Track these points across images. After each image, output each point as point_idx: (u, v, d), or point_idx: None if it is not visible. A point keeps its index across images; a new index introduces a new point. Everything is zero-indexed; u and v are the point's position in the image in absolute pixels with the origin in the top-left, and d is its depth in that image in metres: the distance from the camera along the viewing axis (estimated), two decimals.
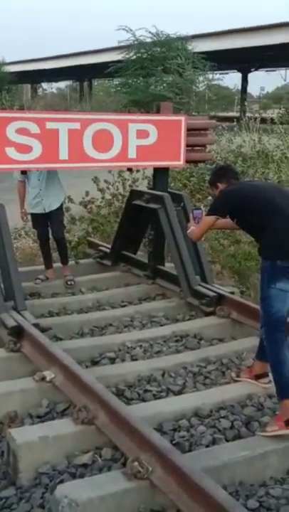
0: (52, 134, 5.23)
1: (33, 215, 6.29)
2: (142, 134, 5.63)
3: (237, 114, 43.43)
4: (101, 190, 8.24)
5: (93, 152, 5.45)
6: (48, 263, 6.44)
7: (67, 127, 5.30)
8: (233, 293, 5.60)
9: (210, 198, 10.01)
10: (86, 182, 8.20)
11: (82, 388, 3.68)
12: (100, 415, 3.45)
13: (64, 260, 6.44)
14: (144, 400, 3.95)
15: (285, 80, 71.37)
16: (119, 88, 29.63)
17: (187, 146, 5.90)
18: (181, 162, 5.91)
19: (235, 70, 52.52)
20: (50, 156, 5.27)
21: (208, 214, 3.94)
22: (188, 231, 4.30)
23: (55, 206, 6.19)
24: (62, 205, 6.38)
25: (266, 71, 57.54)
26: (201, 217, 4.09)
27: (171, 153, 5.83)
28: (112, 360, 4.57)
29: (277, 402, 3.84)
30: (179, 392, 4.06)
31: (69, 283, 6.25)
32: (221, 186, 3.98)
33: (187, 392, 4.05)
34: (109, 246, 7.07)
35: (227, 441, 3.51)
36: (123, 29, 26.16)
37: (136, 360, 4.58)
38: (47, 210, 6.14)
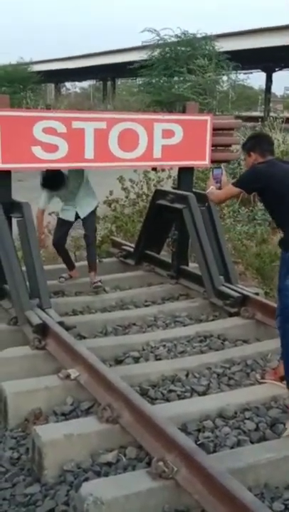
0: (78, 133, 5.25)
1: (60, 219, 6.23)
2: (168, 134, 5.63)
3: (261, 114, 43.27)
4: (125, 190, 8.25)
5: (119, 151, 5.46)
6: (71, 265, 6.39)
7: (93, 127, 5.31)
8: (257, 294, 5.57)
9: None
10: (111, 181, 8.21)
11: (107, 387, 3.69)
12: (124, 414, 3.46)
13: (93, 265, 6.22)
14: (168, 400, 3.95)
15: None
16: (142, 88, 29.72)
17: (212, 145, 5.88)
18: (207, 162, 5.89)
19: (260, 70, 52.17)
20: (75, 155, 5.29)
21: (235, 184, 3.95)
22: (207, 190, 4.31)
23: (88, 211, 6.09)
24: (95, 210, 6.27)
25: None
26: (220, 178, 4.21)
27: (197, 153, 5.81)
28: (136, 360, 4.57)
29: None
30: (204, 393, 4.05)
31: (94, 286, 6.10)
32: (253, 156, 3.92)
33: (211, 393, 4.03)
34: (133, 245, 7.08)
35: (252, 442, 3.49)
36: (148, 30, 26.18)
37: (160, 359, 4.58)
38: (82, 217, 6.09)
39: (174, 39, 26.80)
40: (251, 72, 54.53)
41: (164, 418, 3.36)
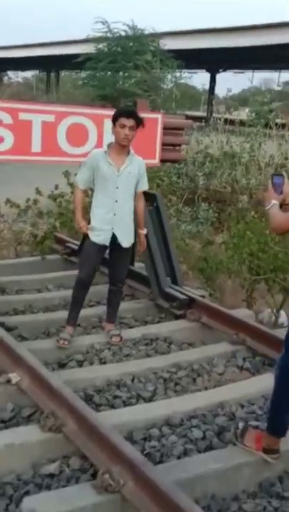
0: (25, 126, 5.05)
1: (90, 244, 4.62)
2: None
3: (203, 114, 43.66)
4: (71, 185, 8.05)
5: (67, 146, 5.29)
6: (76, 317, 4.74)
7: (42, 119, 5.12)
8: (203, 296, 5.53)
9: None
10: (57, 175, 7.99)
11: (50, 393, 3.53)
12: (68, 422, 3.31)
13: (114, 316, 4.94)
14: (113, 407, 3.82)
15: (251, 83, 72.20)
16: (86, 81, 29.38)
17: (162, 145, 5.79)
18: (157, 161, 5.79)
19: (204, 70, 52.70)
20: (22, 148, 5.09)
21: None
22: (267, 206, 2.99)
23: (130, 241, 4.70)
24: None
25: (234, 72, 58.00)
26: (282, 188, 2.99)
27: (147, 152, 5.68)
28: (80, 363, 4.42)
29: (250, 412, 3.79)
30: (150, 399, 3.95)
31: (114, 339, 4.72)
32: None
33: (158, 399, 3.94)
34: (78, 243, 6.90)
35: (199, 452, 3.40)
36: (100, 22, 25.86)
37: (105, 363, 4.45)
38: (124, 245, 4.61)
39: (122, 33, 26.62)
40: (196, 72, 55.11)
41: (110, 427, 3.24)
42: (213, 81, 52.61)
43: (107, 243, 4.56)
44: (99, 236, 4.54)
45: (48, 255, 7.08)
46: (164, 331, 5.03)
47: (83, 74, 32.17)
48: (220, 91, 60.62)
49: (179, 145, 6.12)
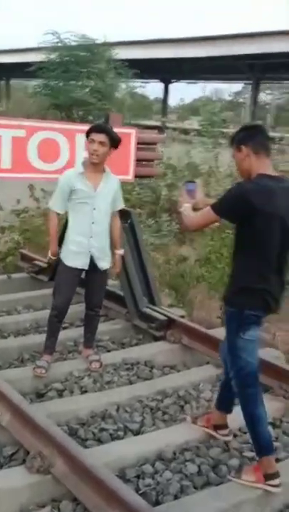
0: None
1: (67, 269, 4.36)
2: None
3: (156, 123, 43.82)
4: (37, 200, 7.79)
5: (38, 162, 5.05)
6: (53, 344, 4.50)
7: (12, 134, 4.87)
8: (183, 316, 5.37)
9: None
10: (19, 189, 7.71)
11: (35, 430, 3.29)
12: (57, 463, 3.07)
13: (91, 340, 4.69)
14: (100, 441, 3.60)
15: (204, 93, 73.07)
16: (39, 90, 29.02)
17: (136, 160, 5.61)
18: (130, 177, 5.60)
19: (158, 80, 53.05)
20: None
21: (214, 208, 3.09)
22: (180, 208, 3.35)
23: (108, 264, 4.48)
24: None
25: (187, 83, 58.58)
26: (195, 193, 3.38)
27: (120, 167, 5.48)
28: (60, 393, 4.18)
29: (244, 442, 3.64)
30: (138, 432, 3.74)
31: (94, 365, 4.50)
32: (244, 151, 3.10)
33: (147, 431, 3.73)
34: (45, 260, 6.64)
35: (196, 488, 3.22)
36: (50, 33, 25.63)
37: (86, 392, 4.22)
38: (100, 266, 4.37)
39: (74, 43, 26.42)
40: (149, 82, 55.39)
41: (103, 467, 3.02)
42: (166, 91, 52.99)
43: (86, 267, 4.34)
44: (76, 260, 4.31)
45: (14, 273, 6.78)
46: (144, 354, 4.83)
47: (34, 82, 31.81)
48: (172, 100, 61.00)
49: (152, 160, 5.95)
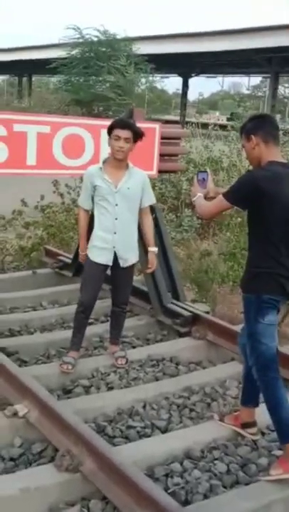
0: (19, 137, 4.79)
1: (92, 264, 4.37)
2: None
3: (176, 118, 43.65)
4: (61, 195, 7.79)
5: (63, 158, 5.04)
6: (80, 341, 4.47)
7: (37, 130, 4.86)
8: (208, 312, 5.33)
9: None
10: (43, 185, 7.72)
11: (63, 428, 3.28)
12: (86, 461, 3.07)
13: (118, 337, 4.67)
14: (128, 438, 3.58)
15: (222, 87, 72.73)
16: (60, 86, 29.11)
17: (160, 155, 5.57)
18: (154, 172, 5.57)
19: (176, 75, 52.88)
20: (16, 161, 4.82)
21: (226, 196, 3.15)
22: (193, 198, 3.46)
23: (133, 260, 4.44)
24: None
25: (207, 77, 58.28)
26: (207, 182, 3.46)
27: (144, 162, 5.43)
28: (87, 389, 4.17)
29: (272, 440, 3.60)
30: (166, 429, 3.72)
31: (119, 362, 4.49)
32: (254, 140, 3.16)
33: (174, 429, 3.71)
34: (69, 255, 6.65)
35: (224, 487, 3.19)
36: (72, 28, 25.70)
37: (112, 388, 4.21)
38: (123, 265, 4.33)
39: (94, 38, 26.44)
40: (168, 77, 55.28)
41: (132, 465, 3.01)
42: (185, 85, 52.79)
43: (110, 263, 4.32)
44: (100, 256, 4.29)
45: (39, 269, 6.80)
46: (169, 351, 4.81)
47: (56, 79, 31.91)
48: (190, 95, 60.68)
49: (176, 155, 5.91)
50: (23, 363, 4.53)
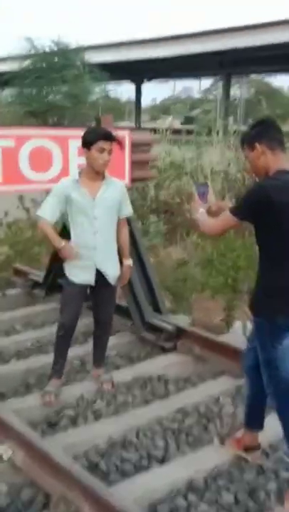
0: None
1: (72, 285, 4.01)
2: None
3: (130, 124, 43.56)
4: (27, 211, 7.46)
5: (30, 172, 4.73)
6: (62, 367, 4.17)
7: (1, 145, 4.55)
8: (193, 324, 5.09)
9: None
10: (5, 200, 7.38)
11: (55, 471, 2.98)
12: (84, 507, 2.77)
13: (102, 359, 4.39)
14: (123, 473, 3.30)
15: (174, 92, 73.09)
16: (13, 99, 28.65)
17: (132, 163, 5.32)
18: (127, 181, 5.30)
19: (129, 81, 52.91)
20: None
21: (233, 212, 2.89)
22: (195, 214, 3.18)
23: (116, 276, 4.14)
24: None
25: (159, 82, 58.50)
26: (207, 196, 3.23)
27: (116, 172, 5.16)
28: (73, 420, 3.87)
29: (277, 461, 3.37)
30: (163, 458, 3.45)
31: (106, 386, 4.22)
32: (259, 148, 2.89)
33: (172, 458, 3.43)
34: (40, 274, 6.34)
35: None
36: (23, 40, 25.22)
37: (100, 416, 3.92)
38: (110, 281, 4.07)
39: (47, 49, 26.11)
40: (121, 84, 55.18)
41: (134, 507, 2.73)
42: (138, 92, 52.85)
43: (92, 283, 4.02)
44: (81, 276, 3.99)
45: (7, 289, 6.45)
46: (155, 369, 4.55)
47: (7, 92, 31.39)
48: (143, 101, 60.72)
49: (147, 162, 5.66)
50: (0, 395, 4.22)
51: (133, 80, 51.83)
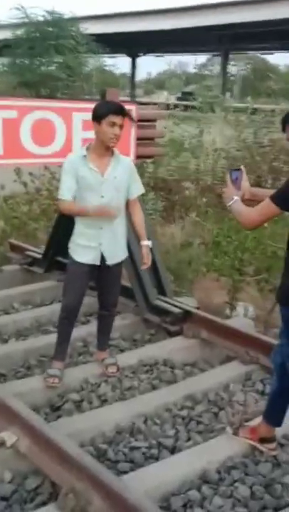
0: None
1: (77, 265, 3.87)
2: (88, 125, 4.72)
3: (126, 98, 42.98)
4: (25, 185, 7.23)
5: (32, 146, 4.52)
6: (65, 350, 4.03)
7: (2, 116, 4.33)
8: (198, 308, 4.94)
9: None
10: (1, 173, 7.15)
11: (63, 460, 2.83)
12: (94, 500, 2.64)
13: (106, 342, 4.26)
14: (133, 462, 3.17)
15: (169, 66, 72.18)
16: (5, 69, 28.05)
17: (137, 139, 5.11)
18: (132, 158, 5.08)
19: (124, 54, 52.20)
20: None
21: (275, 200, 2.68)
22: (228, 202, 2.94)
23: (122, 257, 4.00)
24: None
25: (155, 56, 57.73)
26: (240, 182, 2.99)
27: (121, 148, 4.91)
28: (78, 404, 3.73)
29: None
30: (174, 447, 3.32)
31: (110, 370, 4.06)
32: None
33: (183, 448, 3.30)
34: (39, 250, 6.15)
35: None
36: (16, 8, 24.61)
37: (106, 401, 3.78)
38: (109, 262, 3.86)
39: (41, 18, 25.50)
40: (115, 56, 54.43)
41: (146, 499, 2.60)
42: (133, 65, 52.18)
43: (97, 262, 3.84)
44: (86, 255, 3.81)
45: (4, 266, 6.26)
46: (161, 353, 4.40)
47: (0, 61, 30.75)
48: (138, 75, 59.91)
49: (153, 138, 5.45)
50: (0, 377, 4.06)
51: (129, 54, 51.14)
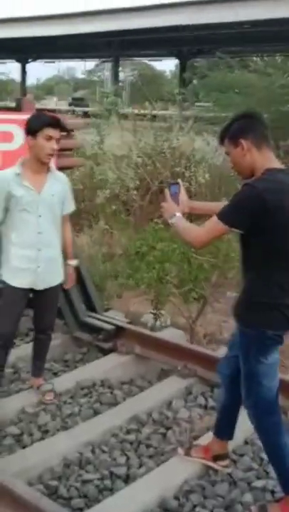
0: None
1: (11, 290, 3.55)
2: (6, 137, 4.51)
3: (12, 104, 42.25)
4: None
5: None
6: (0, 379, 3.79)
7: None
8: (130, 322, 4.82)
9: None
10: None
11: (18, 506, 2.61)
12: None
13: (42, 368, 3.99)
14: (87, 497, 2.99)
15: (58, 72, 71.75)
16: None
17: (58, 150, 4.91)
18: None
19: (14, 60, 51.47)
20: None
21: (222, 218, 2.54)
22: (170, 219, 2.77)
23: (59, 278, 3.77)
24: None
25: (45, 62, 57.24)
26: (179, 196, 2.85)
27: None
28: (18, 438, 3.48)
29: (247, 469, 3.21)
30: (127, 476, 3.16)
31: (47, 397, 3.82)
32: (245, 145, 2.58)
33: (137, 475, 3.15)
34: None
35: None
36: None
37: (47, 432, 3.56)
38: (42, 287, 3.62)
39: None
40: (4, 62, 53.51)
41: None
42: (23, 71, 51.50)
43: (35, 286, 3.61)
44: (22, 279, 3.56)
45: None
46: (97, 373, 4.23)
47: None
48: (28, 80, 58.92)
49: (71, 149, 5.26)
50: None
51: (18, 59, 50.41)
